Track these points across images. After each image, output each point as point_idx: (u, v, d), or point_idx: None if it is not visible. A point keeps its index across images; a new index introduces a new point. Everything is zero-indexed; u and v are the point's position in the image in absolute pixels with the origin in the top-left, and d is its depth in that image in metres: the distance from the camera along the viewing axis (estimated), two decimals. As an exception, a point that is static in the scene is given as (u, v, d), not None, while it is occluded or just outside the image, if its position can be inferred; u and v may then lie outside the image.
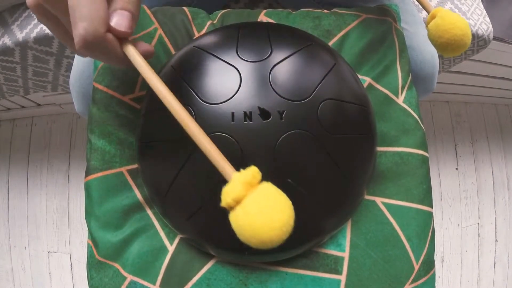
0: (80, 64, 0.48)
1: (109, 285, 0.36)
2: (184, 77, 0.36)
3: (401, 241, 0.38)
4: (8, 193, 1.18)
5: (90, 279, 0.37)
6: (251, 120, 0.33)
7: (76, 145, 1.19)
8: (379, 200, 0.39)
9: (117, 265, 0.37)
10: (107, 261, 0.37)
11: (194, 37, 0.43)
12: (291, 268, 0.37)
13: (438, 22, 0.38)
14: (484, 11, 0.76)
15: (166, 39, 0.42)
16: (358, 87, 0.40)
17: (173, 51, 0.42)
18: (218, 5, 0.59)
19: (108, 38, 0.27)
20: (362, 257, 0.37)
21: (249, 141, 0.33)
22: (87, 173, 0.39)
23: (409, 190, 0.40)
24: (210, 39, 0.40)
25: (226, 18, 0.45)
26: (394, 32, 0.45)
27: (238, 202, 0.25)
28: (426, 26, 0.41)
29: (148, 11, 0.42)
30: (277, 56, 0.36)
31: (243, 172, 0.26)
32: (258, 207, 0.24)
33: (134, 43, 0.30)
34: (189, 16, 0.44)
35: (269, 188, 0.25)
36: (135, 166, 0.39)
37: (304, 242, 0.36)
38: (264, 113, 0.33)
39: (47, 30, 0.63)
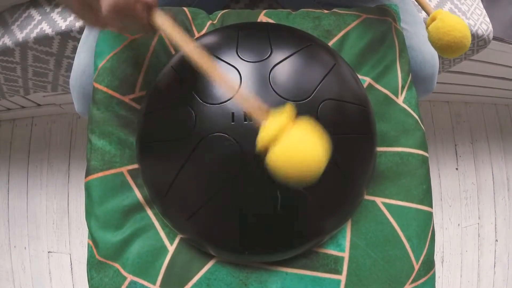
0: (81, 64, 0.48)
1: (109, 285, 0.36)
2: (184, 77, 0.36)
3: (401, 241, 0.38)
4: (8, 193, 1.18)
5: (90, 279, 0.37)
6: (251, 120, 0.33)
7: (76, 145, 1.18)
8: (379, 200, 0.39)
9: (117, 265, 0.37)
10: (107, 261, 0.37)
11: (194, 37, 0.43)
12: (291, 268, 0.37)
13: (438, 24, 0.38)
14: (484, 11, 0.76)
15: (166, 40, 0.43)
16: (358, 87, 0.40)
17: (173, 52, 0.42)
18: (218, 5, 0.59)
19: (137, 6, 0.30)
20: (362, 257, 0.37)
21: (249, 141, 0.33)
22: (87, 173, 0.39)
23: (409, 190, 0.40)
24: (210, 39, 0.40)
25: (226, 18, 0.45)
26: (394, 32, 0.45)
27: (274, 142, 0.25)
28: (426, 28, 0.41)
29: (148, 11, 0.42)
30: (277, 56, 0.36)
31: (278, 113, 0.26)
32: (295, 145, 0.25)
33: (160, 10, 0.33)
34: (189, 16, 0.44)
35: (304, 126, 0.26)
36: (135, 166, 0.39)
37: (304, 242, 0.36)
38: None
39: (47, 31, 0.63)
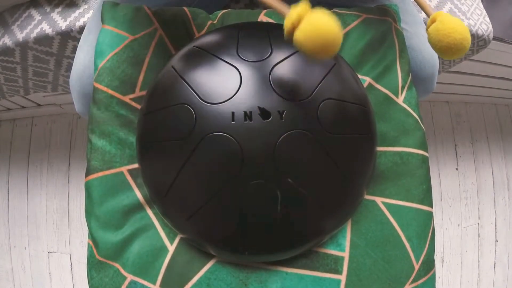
0: (81, 64, 0.48)
1: (109, 285, 0.36)
2: (185, 77, 0.36)
3: (401, 241, 0.38)
4: (8, 193, 1.18)
5: (90, 279, 0.37)
6: (251, 120, 0.33)
7: (76, 145, 1.18)
8: (379, 200, 0.39)
9: (117, 265, 0.37)
10: (107, 261, 0.37)
11: (194, 37, 0.43)
12: (291, 268, 0.37)
13: (438, 26, 0.38)
14: (484, 11, 0.76)
15: (166, 39, 0.43)
16: (358, 87, 0.40)
17: (173, 51, 0.43)
18: (218, 5, 0.59)
19: None
20: (362, 257, 0.37)
21: (249, 141, 0.33)
22: (88, 173, 0.39)
23: (409, 190, 0.40)
24: (210, 39, 0.40)
25: (226, 18, 0.45)
26: (394, 32, 0.45)
27: (300, 19, 0.30)
28: (426, 30, 0.41)
29: (148, 11, 0.42)
30: (277, 56, 0.36)
31: (297, 4, 0.31)
32: (316, 22, 0.30)
33: None
34: (189, 16, 0.44)
35: (320, 10, 0.31)
36: (135, 166, 0.39)
37: (304, 242, 0.36)
38: (264, 113, 0.33)
39: (47, 31, 0.63)
